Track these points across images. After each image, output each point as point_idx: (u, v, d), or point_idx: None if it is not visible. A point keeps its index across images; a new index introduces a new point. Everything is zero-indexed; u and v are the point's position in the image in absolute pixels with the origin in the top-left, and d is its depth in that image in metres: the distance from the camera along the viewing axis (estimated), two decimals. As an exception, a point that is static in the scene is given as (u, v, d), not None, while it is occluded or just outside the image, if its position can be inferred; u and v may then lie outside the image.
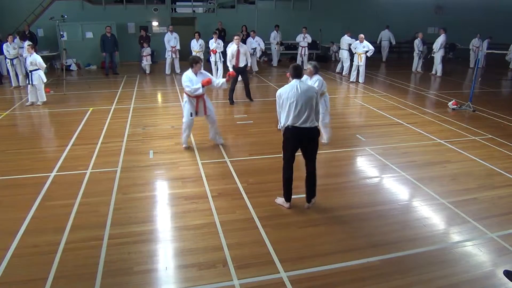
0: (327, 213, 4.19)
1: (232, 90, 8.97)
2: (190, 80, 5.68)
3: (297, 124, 3.93)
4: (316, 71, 5.71)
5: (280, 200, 4.34)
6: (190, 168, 5.33)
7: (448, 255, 3.49)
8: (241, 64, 9.01)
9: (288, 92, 3.93)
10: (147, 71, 13.34)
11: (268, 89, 11.06)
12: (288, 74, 5.30)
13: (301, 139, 4.03)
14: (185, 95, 5.92)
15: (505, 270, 3.23)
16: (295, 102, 3.88)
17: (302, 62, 14.61)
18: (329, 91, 10.94)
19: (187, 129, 5.99)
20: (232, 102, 9.01)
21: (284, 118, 3.98)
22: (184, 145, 6.07)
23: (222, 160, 5.63)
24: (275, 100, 4.16)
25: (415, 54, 14.16)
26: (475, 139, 6.63)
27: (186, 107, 5.89)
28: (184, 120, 5.93)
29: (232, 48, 8.92)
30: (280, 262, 3.34)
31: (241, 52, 8.91)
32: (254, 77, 12.92)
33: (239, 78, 9.28)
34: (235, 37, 8.94)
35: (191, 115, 5.87)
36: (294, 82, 3.97)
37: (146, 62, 13.31)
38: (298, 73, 4.01)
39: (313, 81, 5.66)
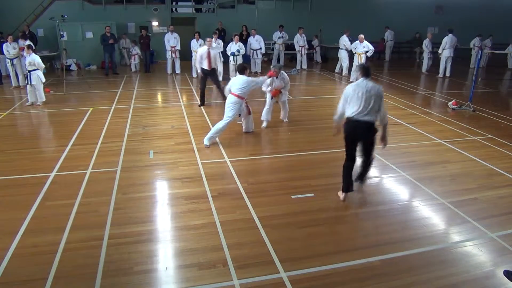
0: (327, 213, 4.19)
1: (202, 91, 8.75)
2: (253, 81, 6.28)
3: (357, 117, 4.13)
4: (280, 70, 6.82)
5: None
6: (190, 168, 5.33)
7: (448, 255, 3.49)
8: (212, 66, 8.69)
9: (355, 88, 4.18)
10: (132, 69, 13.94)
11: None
12: (271, 72, 6.50)
13: (357, 131, 4.22)
14: (234, 98, 6.11)
15: (505, 270, 3.23)
16: (360, 96, 4.11)
17: (301, 62, 14.63)
18: (328, 91, 11.05)
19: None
20: (202, 103, 8.77)
21: (347, 110, 4.23)
22: (208, 144, 6.14)
23: (222, 160, 5.63)
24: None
25: (425, 55, 14.04)
26: (475, 139, 6.63)
27: (237, 107, 6.15)
28: (229, 120, 6.14)
29: (201, 50, 8.60)
30: (280, 262, 3.34)
31: (212, 55, 8.57)
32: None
33: (207, 81, 8.90)
34: (208, 39, 8.72)
35: (239, 115, 6.38)
36: (361, 80, 4.21)
37: (133, 62, 14.00)
38: (365, 72, 4.25)
39: (281, 78, 6.90)
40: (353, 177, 4.40)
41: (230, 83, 6.32)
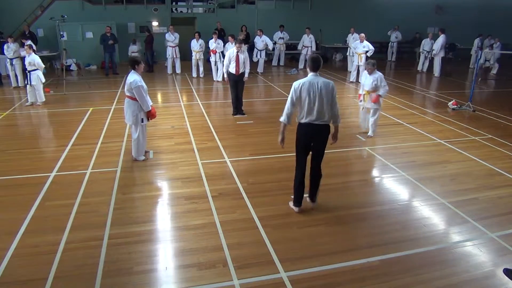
0: (327, 213, 4.19)
1: (236, 98, 7.97)
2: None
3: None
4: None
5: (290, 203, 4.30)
6: (190, 168, 5.33)
7: (448, 255, 3.49)
8: (240, 71, 7.81)
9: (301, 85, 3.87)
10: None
11: (269, 89, 11.07)
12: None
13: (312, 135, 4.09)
14: (126, 100, 5.31)
15: (504, 269, 3.23)
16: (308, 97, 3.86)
17: (305, 61, 14.65)
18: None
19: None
20: (236, 113, 8.02)
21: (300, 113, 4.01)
22: (143, 157, 5.58)
23: (222, 160, 5.63)
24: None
25: (421, 54, 14.23)
26: (475, 139, 6.63)
27: (130, 113, 5.29)
28: (134, 130, 5.38)
29: (230, 52, 7.80)
30: (280, 262, 3.34)
31: (241, 59, 7.71)
32: (254, 77, 12.92)
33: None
34: (237, 45, 7.68)
35: (142, 121, 5.38)
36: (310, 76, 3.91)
37: None
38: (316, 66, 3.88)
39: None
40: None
41: None
